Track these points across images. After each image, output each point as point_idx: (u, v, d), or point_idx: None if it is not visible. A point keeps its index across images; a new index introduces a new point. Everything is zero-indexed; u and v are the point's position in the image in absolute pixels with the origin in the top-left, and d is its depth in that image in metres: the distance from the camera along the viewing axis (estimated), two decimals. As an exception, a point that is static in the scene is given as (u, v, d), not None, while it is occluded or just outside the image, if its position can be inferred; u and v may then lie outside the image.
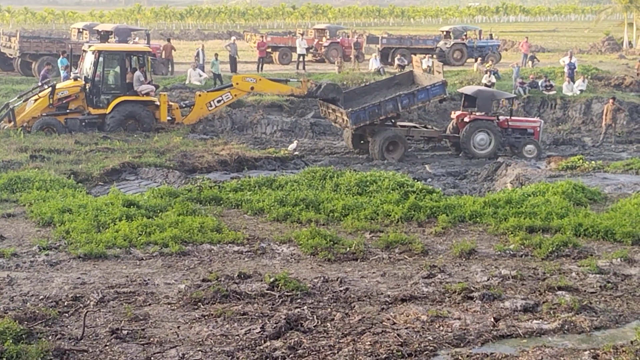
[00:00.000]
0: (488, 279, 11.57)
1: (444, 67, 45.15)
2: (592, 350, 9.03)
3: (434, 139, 27.38)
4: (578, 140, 30.59)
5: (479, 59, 44.49)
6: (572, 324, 9.85)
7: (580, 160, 21.44)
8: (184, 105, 28.31)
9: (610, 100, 30.47)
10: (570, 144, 29.81)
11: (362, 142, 26.63)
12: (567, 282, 11.39)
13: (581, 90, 35.62)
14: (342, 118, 25.53)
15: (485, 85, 35.76)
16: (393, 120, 26.42)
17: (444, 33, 51.03)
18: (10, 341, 8.65)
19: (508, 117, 26.98)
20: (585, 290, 11.19)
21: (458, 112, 27.38)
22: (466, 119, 26.21)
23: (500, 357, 8.85)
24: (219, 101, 27.61)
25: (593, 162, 21.64)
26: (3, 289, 10.78)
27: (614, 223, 14.27)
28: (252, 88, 27.76)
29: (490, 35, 54.89)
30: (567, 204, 15.70)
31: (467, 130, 25.92)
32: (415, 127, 27.71)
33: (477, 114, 26.21)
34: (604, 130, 30.15)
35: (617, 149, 28.60)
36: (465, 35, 49.88)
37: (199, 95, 27.95)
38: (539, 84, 36.00)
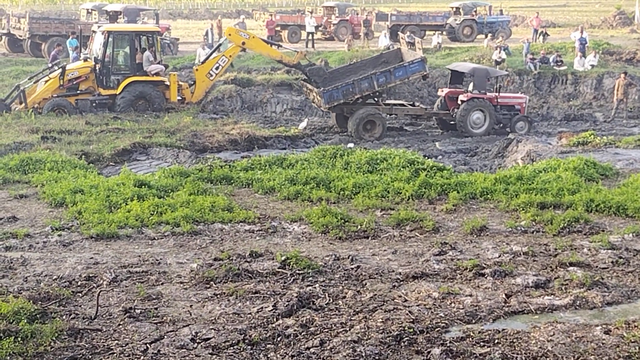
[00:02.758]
0: (499, 256, 11.57)
1: (454, 44, 45.07)
2: (604, 326, 9.04)
3: (421, 116, 27.24)
4: (589, 115, 30.42)
5: (489, 35, 44.22)
6: (583, 300, 9.85)
7: (592, 136, 21.36)
8: (191, 84, 28.32)
9: (622, 75, 30.25)
10: (581, 120, 29.68)
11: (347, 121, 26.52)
12: (578, 258, 11.38)
13: (592, 66, 35.37)
14: (317, 97, 25.48)
15: (496, 61, 35.60)
16: (377, 99, 26.26)
17: (454, 9, 50.66)
18: (25, 321, 8.73)
19: (497, 95, 26.69)
20: (597, 266, 11.18)
21: (446, 89, 27.22)
22: (462, 98, 26.04)
23: (512, 333, 8.86)
24: (217, 68, 27.57)
25: (604, 137, 21.55)
26: (17, 269, 10.86)
27: (626, 198, 14.23)
28: (243, 43, 27.56)
29: (501, 11, 54.51)
30: (578, 180, 15.65)
31: (464, 109, 25.74)
32: (402, 104, 27.59)
33: (474, 92, 26.03)
34: (616, 106, 29.96)
35: (628, 124, 28.45)
36: (475, 11, 49.53)
37: (196, 69, 27.94)
38: (550, 59, 35.77)
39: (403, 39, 29.75)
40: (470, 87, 26.41)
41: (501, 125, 26.41)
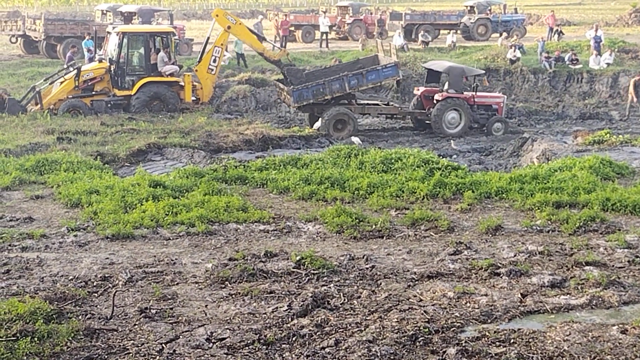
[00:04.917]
0: (515, 255, 11.52)
1: (469, 43, 44.94)
2: (620, 325, 8.98)
3: (395, 115, 27.18)
4: (605, 114, 30.25)
5: (504, 33, 44.05)
6: (600, 299, 9.79)
7: (608, 135, 21.21)
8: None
9: (638, 77, 29.99)
10: (597, 118, 29.52)
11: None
12: (594, 257, 11.31)
13: (608, 64, 35.18)
14: (287, 96, 25.55)
15: (511, 60, 35.45)
16: (349, 99, 26.22)
17: (468, 8, 50.53)
18: (41, 321, 8.77)
19: (473, 94, 26.42)
20: (613, 265, 11.11)
21: (422, 88, 27.10)
22: (437, 97, 25.88)
23: (527, 333, 8.82)
24: (214, 60, 27.65)
25: (620, 136, 21.39)
26: (33, 269, 10.91)
27: (642, 197, 14.13)
28: (228, 27, 27.57)
29: (515, 9, 54.29)
30: (594, 179, 15.57)
31: (439, 108, 25.60)
32: (376, 104, 27.57)
33: (449, 91, 25.88)
34: (629, 105, 29.77)
35: (645, 123, 28.26)
36: (490, 10, 49.38)
37: (196, 70, 27.90)
38: (565, 58, 35.61)
39: (381, 44, 29.73)
40: (446, 86, 26.24)
41: (478, 125, 26.26)
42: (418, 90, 27.33)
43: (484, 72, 30.03)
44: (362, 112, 26.97)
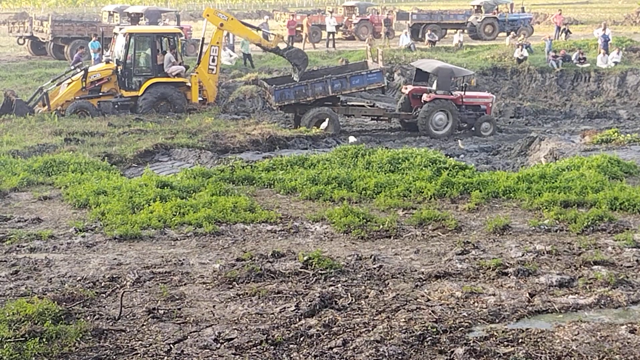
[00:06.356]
0: (523, 255, 11.50)
1: (476, 42, 44.87)
2: (629, 325, 8.95)
3: (381, 117, 27.18)
4: (613, 113, 30.21)
5: (511, 33, 43.98)
6: (608, 299, 9.76)
7: (616, 134, 21.15)
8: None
9: None
10: (605, 117, 29.48)
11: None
12: (603, 256, 11.28)
13: (616, 63, 35.11)
14: (269, 96, 25.57)
15: (518, 59, 35.39)
16: (333, 101, 26.27)
17: (475, 7, 50.47)
18: (50, 322, 8.78)
19: (462, 94, 26.38)
20: (621, 265, 11.08)
21: (410, 87, 27.00)
22: (425, 98, 25.79)
23: (535, 333, 8.80)
24: (213, 60, 27.67)
25: (628, 135, 21.34)
26: (41, 270, 10.94)
27: (651, 196, 14.08)
28: (221, 25, 27.54)
29: (522, 8, 54.21)
30: (602, 178, 15.52)
31: (427, 110, 25.52)
32: (361, 106, 27.59)
33: (438, 92, 25.80)
34: None
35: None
36: (497, 9, 49.30)
37: (197, 72, 27.77)
38: (573, 57, 35.54)
39: (369, 50, 29.76)
40: (434, 87, 26.15)
41: (466, 125, 26.21)
42: (406, 88, 27.26)
43: (473, 72, 30.00)
44: (346, 113, 26.98)
